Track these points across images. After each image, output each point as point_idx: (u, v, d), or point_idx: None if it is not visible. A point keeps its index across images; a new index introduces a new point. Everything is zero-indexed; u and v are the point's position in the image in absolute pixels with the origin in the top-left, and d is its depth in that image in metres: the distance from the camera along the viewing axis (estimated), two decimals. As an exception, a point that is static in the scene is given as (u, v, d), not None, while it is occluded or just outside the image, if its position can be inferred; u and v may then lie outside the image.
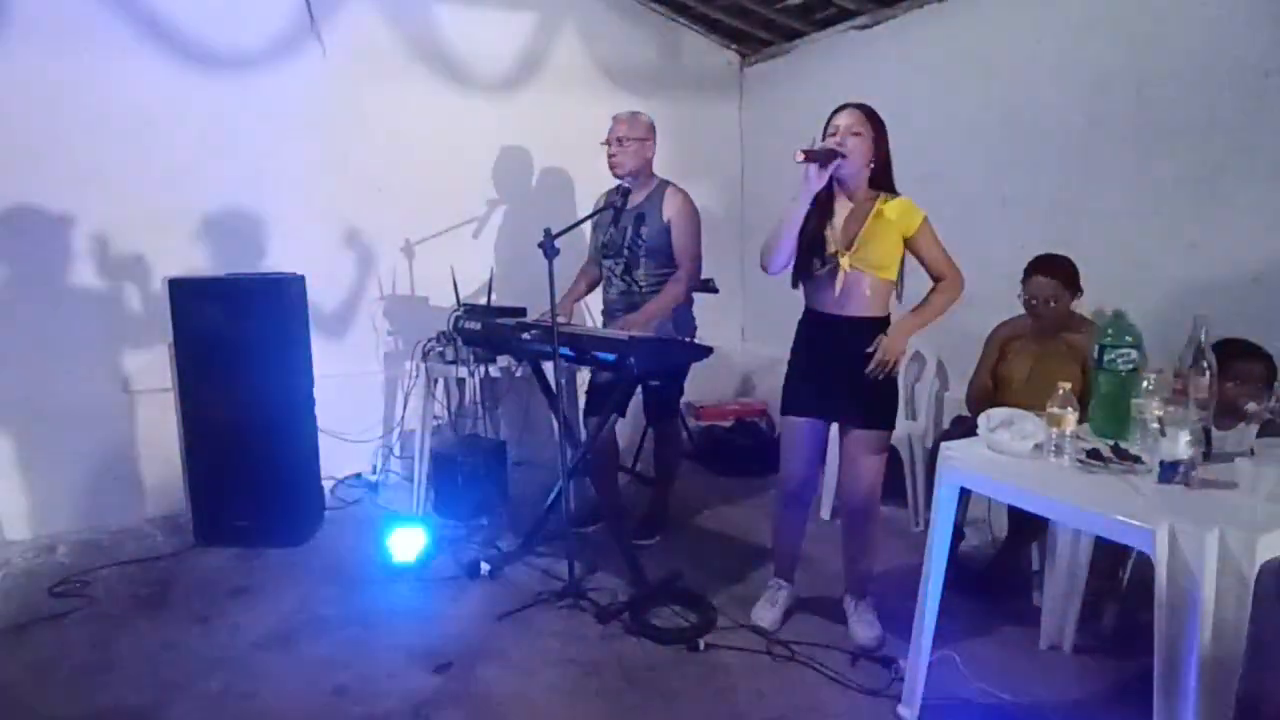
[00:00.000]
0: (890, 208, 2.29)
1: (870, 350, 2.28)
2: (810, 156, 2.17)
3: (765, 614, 2.52)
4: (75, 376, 3.35)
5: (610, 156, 3.07)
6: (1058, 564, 2.37)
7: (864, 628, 2.42)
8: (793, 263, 2.34)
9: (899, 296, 2.39)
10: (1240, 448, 1.75)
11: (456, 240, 4.03)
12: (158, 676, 2.29)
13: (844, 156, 2.22)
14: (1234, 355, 2.07)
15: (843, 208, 2.31)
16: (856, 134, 2.26)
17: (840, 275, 2.27)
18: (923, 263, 2.33)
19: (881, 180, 2.34)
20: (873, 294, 2.31)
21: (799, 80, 4.38)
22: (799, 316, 2.48)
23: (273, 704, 2.17)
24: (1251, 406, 1.81)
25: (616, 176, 3.11)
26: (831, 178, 2.26)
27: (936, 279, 2.33)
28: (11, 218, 3.24)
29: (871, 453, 2.38)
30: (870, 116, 2.30)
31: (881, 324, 2.34)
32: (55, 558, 3.13)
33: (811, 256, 2.30)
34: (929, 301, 2.33)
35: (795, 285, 2.42)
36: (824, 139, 2.28)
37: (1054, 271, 2.59)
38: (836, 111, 2.32)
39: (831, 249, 2.28)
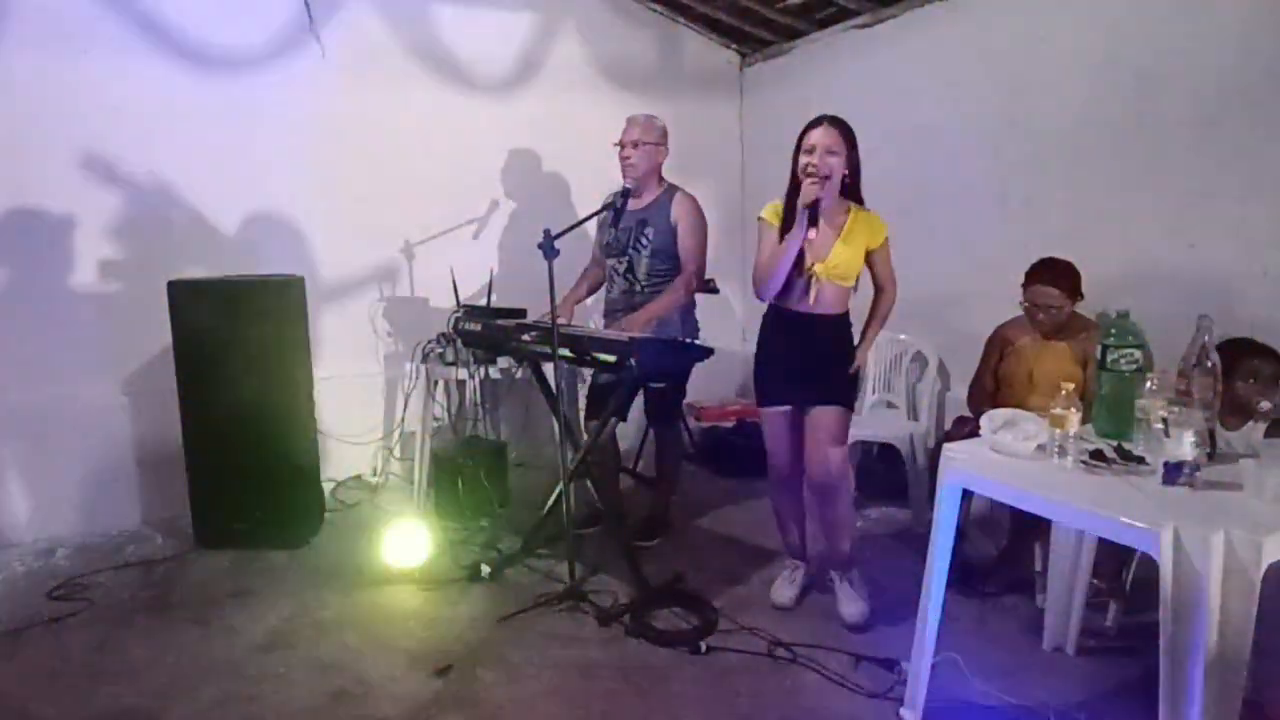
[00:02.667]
0: (862, 223, 2.45)
1: (851, 369, 2.53)
2: (811, 211, 2.33)
3: (784, 593, 2.64)
4: (75, 378, 3.35)
5: (625, 159, 3.06)
6: (1060, 565, 2.36)
7: (850, 604, 2.50)
8: None
9: (854, 288, 2.55)
10: (1248, 447, 1.74)
11: (456, 241, 4.03)
12: (157, 680, 2.28)
13: (827, 178, 2.35)
14: (1245, 354, 2.06)
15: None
16: (834, 154, 2.37)
17: (815, 285, 2.42)
18: (873, 272, 2.53)
19: (851, 190, 2.46)
20: (838, 297, 2.49)
21: (799, 80, 4.37)
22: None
23: (272, 708, 2.16)
24: (1265, 405, 1.80)
25: (629, 178, 3.08)
26: None
27: (879, 288, 2.56)
28: (10, 219, 3.23)
29: (835, 428, 2.49)
30: (845, 133, 2.40)
31: (843, 319, 2.53)
32: (54, 561, 3.13)
33: (791, 268, 2.42)
34: (877, 316, 2.58)
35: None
36: (798, 153, 2.41)
37: (1056, 280, 2.58)
38: (810, 127, 2.41)
39: (809, 261, 2.42)
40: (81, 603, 2.74)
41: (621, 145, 3.07)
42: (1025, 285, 2.65)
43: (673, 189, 3.11)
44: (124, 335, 3.43)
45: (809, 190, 2.32)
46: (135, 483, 3.49)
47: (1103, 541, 2.23)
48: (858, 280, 2.52)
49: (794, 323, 2.49)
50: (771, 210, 2.49)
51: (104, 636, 2.53)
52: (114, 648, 2.46)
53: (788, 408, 2.56)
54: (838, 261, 2.41)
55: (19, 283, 3.27)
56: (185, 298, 3.08)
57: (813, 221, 2.33)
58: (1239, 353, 2.05)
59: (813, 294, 2.42)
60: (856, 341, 2.57)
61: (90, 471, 3.40)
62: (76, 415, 3.35)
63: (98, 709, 2.17)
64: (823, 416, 2.48)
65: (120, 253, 3.42)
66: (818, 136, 2.37)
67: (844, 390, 2.53)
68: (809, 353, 2.49)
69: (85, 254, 3.37)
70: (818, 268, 2.41)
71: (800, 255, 2.39)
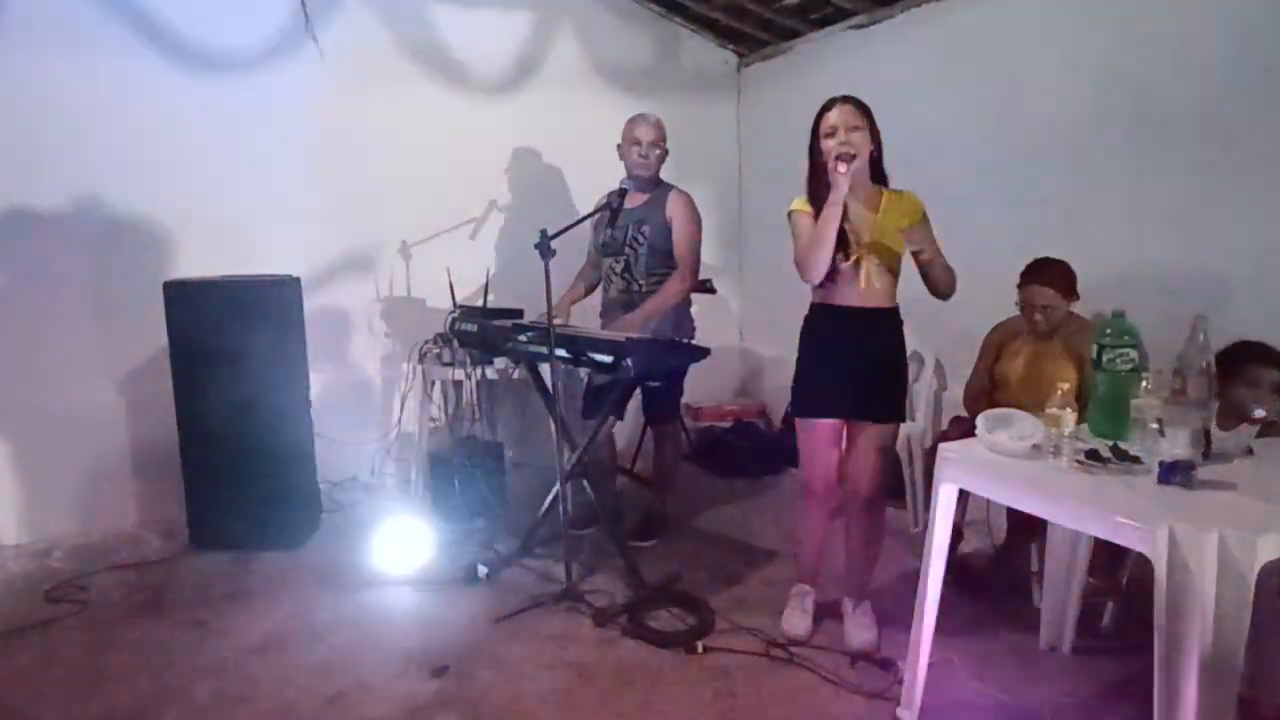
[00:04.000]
0: (896, 202, 2.32)
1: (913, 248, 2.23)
2: (845, 162, 2.20)
3: (799, 623, 2.47)
4: (70, 379, 3.34)
5: (643, 158, 3.08)
6: (1056, 565, 2.36)
7: (861, 631, 2.41)
8: None
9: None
10: (1238, 450, 1.74)
11: (453, 242, 4.02)
12: (152, 682, 2.28)
13: (855, 156, 2.23)
14: (1248, 359, 2.06)
15: (854, 204, 2.29)
16: (856, 128, 2.26)
17: (865, 266, 2.29)
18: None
19: (877, 170, 2.36)
20: (887, 284, 2.33)
21: (796, 80, 4.37)
22: (803, 314, 2.45)
23: (268, 710, 2.16)
24: (1260, 413, 1.80)
25: (642, 178, 3.09)
26: None
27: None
28: (6, 220, 3.23)
29: (882, 446, 2.37)
30: (862, 108, 2.30)
31: (894, 315, 2.37)
32: (50, 561, 3.12)
33: (835, 252, 2.28)
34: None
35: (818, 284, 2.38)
36: (819, 137, 2.30)
37: (1052, 280, 2.58)
38: (826, 109, 2.32)
39: (854, 244, 2.28)
40: (77, 604, 2.74)
41: (638, 144, 3.07)
42: (1021, 285, 2.65)
43: (667, 187, 3.13)
44: (120, 336, 3.42)
45: (840, 157, 2.19)
46: (131, 484, 3.49)
47: (1099, 541, 2.23)
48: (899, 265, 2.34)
49: (843, 319, 2.33)
50: (801, 202, 2.37)
51: (99, 638, 2.52)
52: (109, 649, 2.46)
53: (834, 420, 2.39)
54: (884, 244, 2.27)
55: (14, 283, 3.26)
56: (181, 298, 3.07)
57: (844, 161, 2.18)
58: (1246, 357, 2.05)
59: (863, 278, 2.27)
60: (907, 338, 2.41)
61: (86, 472, 3.40)
62: (72, 416, 3.34)
63: (93, 710, 2.16)
64: (873, 433, 2.35)
65: (116, 253, 3.41)
66: (836, 117, 2.26)
67: (899, 402, 2.40)
68: (860, 356, 2.32)
69: (81, 254, 3.36)
70: (866, 252, 2.26)
71: (844, 239, 2.26)
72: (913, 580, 2.02)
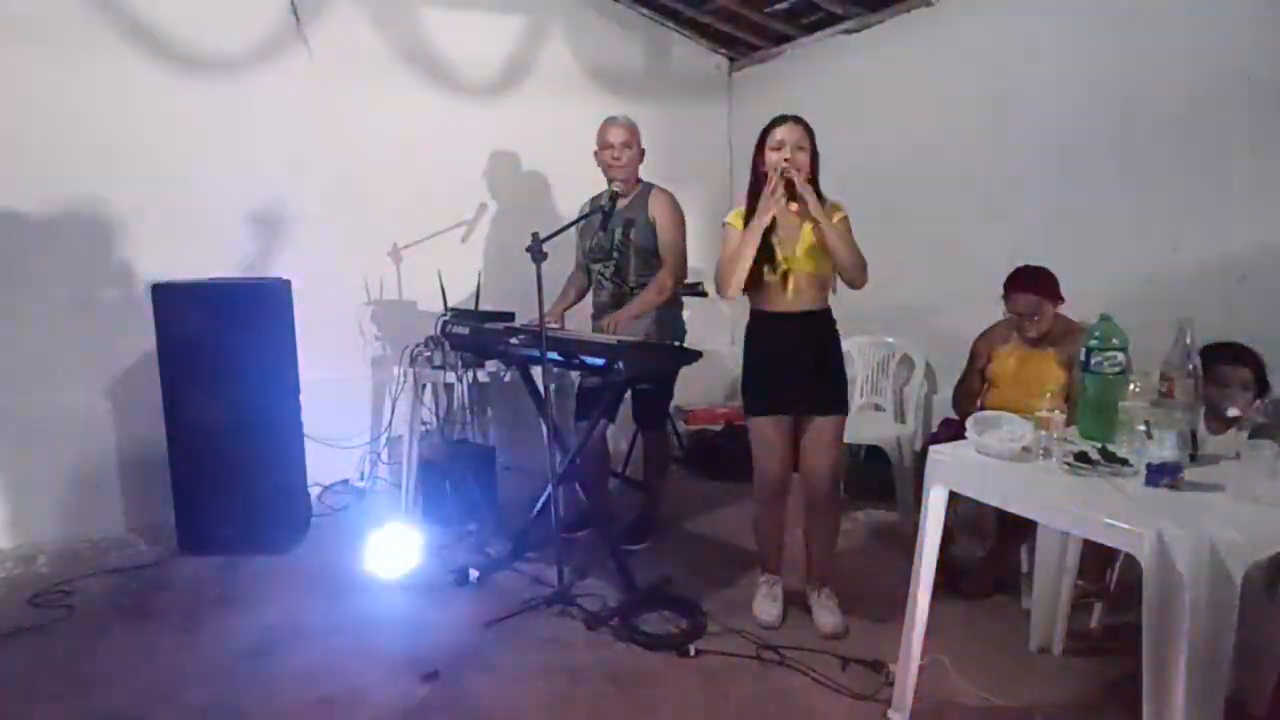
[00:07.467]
0: (831, 210, 2.40)
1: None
2: (791, 195, 2.31)
3: (770, 610, 2.57)
4: (57, 382, 3.32)
5: (615, 160, 3.07)
6: (1046, 566, 2.37)
7: (827, 615, 2.49)
8: None
9: (833, 288, 2.51)
10: (1230, 452, 1.76)
11: (444, 244, 4.01)
12: (140, 688, 2.26)
13: (800, 170, 2.34)
14: (1216, 360, 2.08)
15: (784, 216, 2.39)
16: (802, 149, 2.38)
17: (792, 279, 2.41)
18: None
19: (812, 185, 2.43)
20: (818, 288, 2.46)
21: (787, 84, 4.39)
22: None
23: (258, 715, 2.14)
24: (1232, 411, 1.82)
25: (617, 181, 3.09)
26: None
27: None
28: (-8, 222, 3.20)
29: (833, 438, 2.49)
30: (807, 129, 2.41)
31: (826, 315, 2.50)
32: (36, 567, 3.09)
33: (762, 265, 2.41)
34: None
35: (743, 292, 2.50)
36: (763, 152, 2.42)
37: (1035, 287, 2.62)
38: (774, 125, 2.42)
39: (782, 256, 2.41)
40: (64, 609, 2.71)
41: (610, 147, 3.07)
42: (1006, 295, 2.69)
43: (649, 186, 3.13)
44: (107, 339, 3.40)
45: (787, 173, 2.30)
46: (119, 488, 3.46)
47: (1087, 543, 2.25)
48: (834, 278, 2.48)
49: (778, 325, 2.47)
50: (735, 215, 2.49)
51: (86, 643, 2.50)
52: (96, 654, 2.44)
53: (781, 417, 2.51)
54: (810, 253, 2.40)
55: (1, 285, 3.23)
56: (169, 301, 3.05)
57: (791, 197, 2.31)
58: (1213, 358, 2.08)
59: (790, 287, 2.41)
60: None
61: (73, 476, 3.37)
62: (59, 419, 3.31)
63: (79, 716, 2.14)
64: (825, 425, 2.48)
65: (104, 255, 3.39)
66: (784, 133, 2.38)
67: (841, 396, 2.53)
68: (798, 356, 2.45)
69: (68, 257, 3.34)
70: (793, 263, 2.40)
71: (772, 253, 2.40)
72: (903, 582, 2.03)
